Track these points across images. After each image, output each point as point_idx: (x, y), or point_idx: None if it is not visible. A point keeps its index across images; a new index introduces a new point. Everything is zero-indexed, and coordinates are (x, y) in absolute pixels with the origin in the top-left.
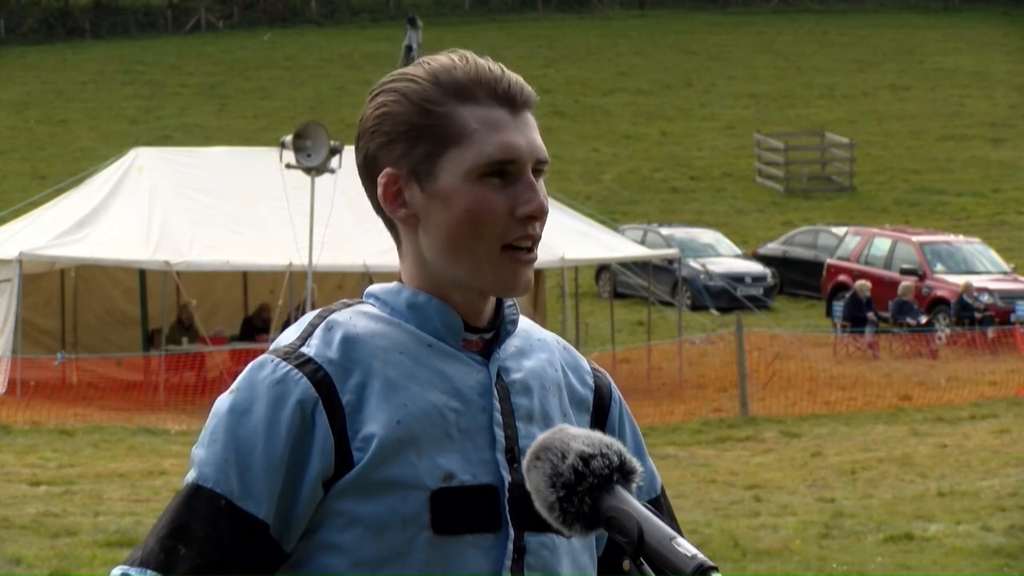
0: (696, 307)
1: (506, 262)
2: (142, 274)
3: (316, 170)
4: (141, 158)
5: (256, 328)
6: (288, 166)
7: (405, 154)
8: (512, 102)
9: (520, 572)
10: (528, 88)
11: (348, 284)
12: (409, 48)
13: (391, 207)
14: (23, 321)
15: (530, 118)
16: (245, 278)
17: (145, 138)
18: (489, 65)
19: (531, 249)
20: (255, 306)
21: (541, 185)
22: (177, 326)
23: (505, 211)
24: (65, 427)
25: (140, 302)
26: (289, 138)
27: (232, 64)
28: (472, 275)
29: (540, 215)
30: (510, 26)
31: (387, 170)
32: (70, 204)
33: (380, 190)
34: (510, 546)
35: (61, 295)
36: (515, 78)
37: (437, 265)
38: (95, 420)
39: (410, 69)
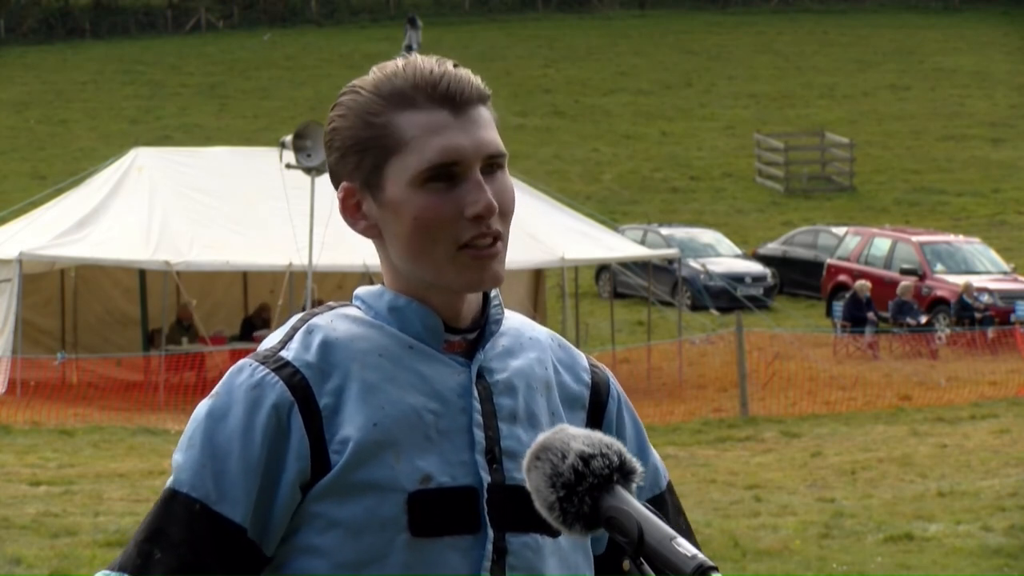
0: (696, 307)
1: (467, 260)
2: (142, 274)
3: (316, 170)
4: (141, 158)
5: (256, 328)
6: (288, 166)
7: (356, 167)
8: (452, 102)
9: (501, 573)
10: (473, 84)
11: (348, 284)
12: (409, 48)
13: (352, 220)
14: (23, 321)
15: (479, 114)
16: (245, 278)
17: (145, 138)
18: (433, 67)
19: (492, 244)
20: (255, 306)
21: (501, 178)
22: (177, 326)
23: (453, 214)
24: (65, 427)
25: (140, 302)
26: (289, 138)
27: (232, 64)
28: (437, 278)
29: (489, 213)
30: (510, 26)
31: (343, 184)
32: (70, 204)
33: (339, 204)
34: (489, 547)
35: (61, 295)
36: (456, 76)
37: (406, 271)
38: (95, 420)
39: (360, 79)
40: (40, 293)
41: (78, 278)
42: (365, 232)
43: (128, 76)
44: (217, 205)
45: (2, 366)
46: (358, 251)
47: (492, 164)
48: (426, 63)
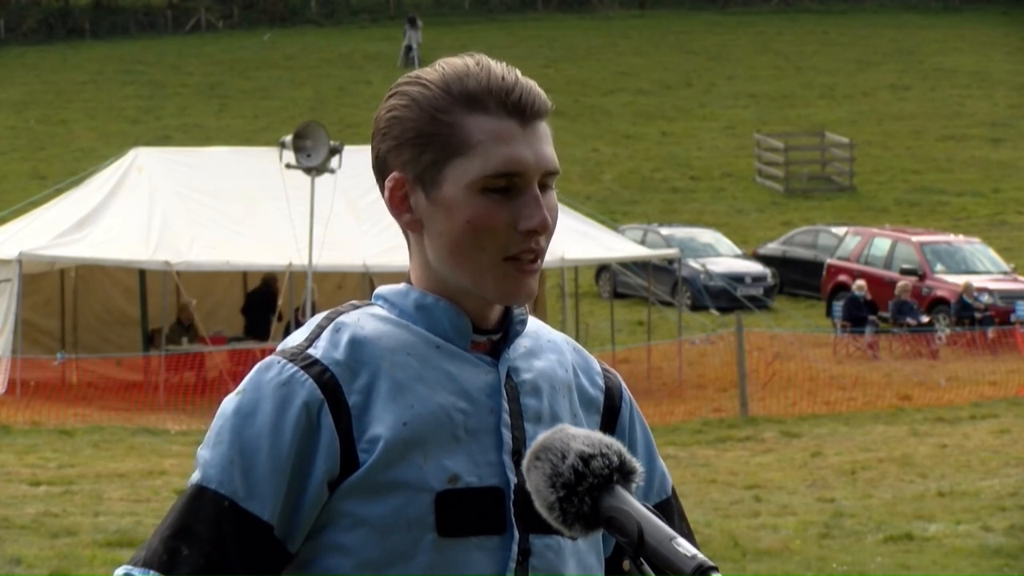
0: (696, 307)
1: (508, 271)
2: (142, 274)
3: (316, 170)
4: (141, 158)
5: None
6: (288, 166)
7: (412, 160)
8: (523, 113)
9: (524, 574)
10: (541, 98)
11: (348, 284)
12: (409, 48)
13: (397, 211)
14: (23, 321)
15: (542, 129)
16: (245, 278)
17: (145, 138)
18: (504, 73)
19: (534, 260)
20: (255, 307)
21: (551, 196)
22: (177, 326)
23: (506, 224)
24: (65, 427)
25: (140, 302)
26: (289, 138)
27: (232, 64)
28: (474, 283)
29: (543, 230)
30: (510, 26)
31: (394, 174)
32: (70, 204)
33: (387, 193)
34: (515, 548)
35: (61, 295)
36: (528, 87)
37: (442, 271)
38: (95, 420)
39: (425, 72)
40: (40, 293)
41: (78, 278)
42: (408, 225)
43: (128, 76)
44: (217, 205)
45: (2, 366)
46: (358, 251)
47: (546, 182)
48: (498, 68)
